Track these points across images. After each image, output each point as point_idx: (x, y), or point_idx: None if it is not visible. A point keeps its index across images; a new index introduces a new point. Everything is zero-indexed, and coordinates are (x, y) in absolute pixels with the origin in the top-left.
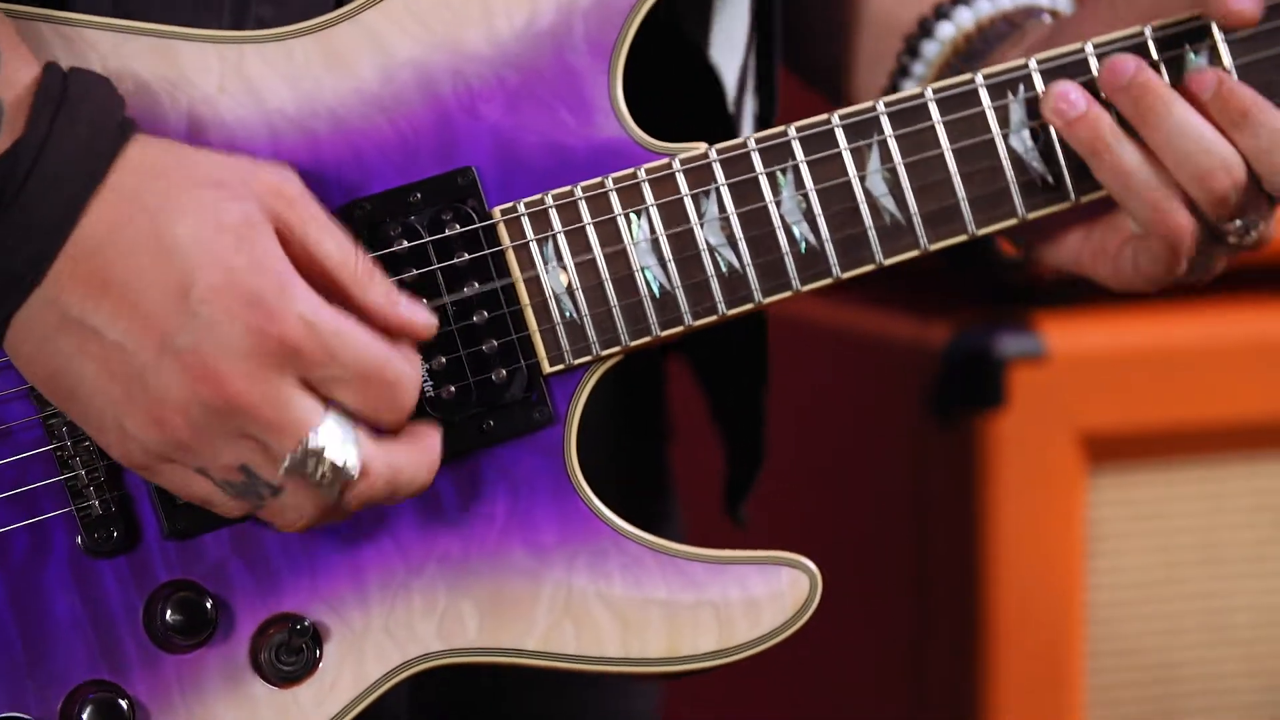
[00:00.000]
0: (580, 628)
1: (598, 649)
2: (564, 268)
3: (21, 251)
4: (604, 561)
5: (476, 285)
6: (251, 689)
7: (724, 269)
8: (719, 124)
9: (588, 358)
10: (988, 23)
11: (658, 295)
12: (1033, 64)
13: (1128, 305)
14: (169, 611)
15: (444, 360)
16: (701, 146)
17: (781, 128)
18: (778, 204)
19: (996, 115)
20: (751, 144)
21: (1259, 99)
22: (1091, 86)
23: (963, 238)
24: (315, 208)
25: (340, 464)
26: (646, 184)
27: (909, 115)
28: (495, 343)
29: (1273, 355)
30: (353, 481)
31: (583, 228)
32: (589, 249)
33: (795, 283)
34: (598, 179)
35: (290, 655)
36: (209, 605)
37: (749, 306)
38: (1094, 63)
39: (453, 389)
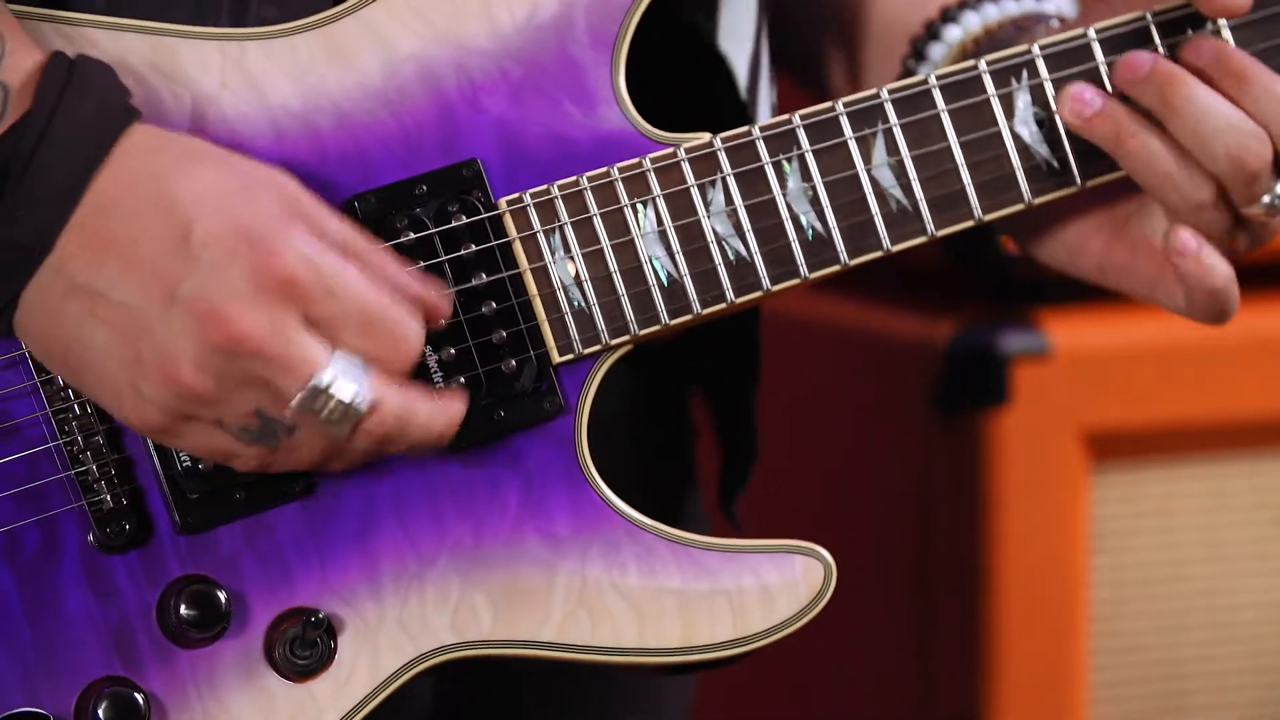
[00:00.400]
0: (596, 618)
1: (614, 639)
2: (571, 258)
3: (29, 223)
4: (618, 551)
5: (484, 276)
6: (267, 683)
7: (731, 257)
8: (731, 112)
9: (597, 347)
10: (995, 28)
11: (666, 284)
12: (1036, 49)
13: (1131, 303)
14: (182, 606)
15: (453, 351)
16: (706, 136)
17: (786, 116)
18: (784, 192)
19: (1000, 101)
20: (756, 132)
21: (1257, 63)
22: (1096, 78)
23: (970, 223)
24: (314, 200)
25: (349, 400)
26: (652, 173)
27: (913, 102)
28: (504, 333)
29: (1275, 353)
30: (363, 418)
31: (589, 218)
32: (596, 239)
33: (803, 270)
34: (603, 169)
35: (305, 649)
36: (222, 598)
37: (758, 294)
38: (1097, 48)
39: (462, 380)
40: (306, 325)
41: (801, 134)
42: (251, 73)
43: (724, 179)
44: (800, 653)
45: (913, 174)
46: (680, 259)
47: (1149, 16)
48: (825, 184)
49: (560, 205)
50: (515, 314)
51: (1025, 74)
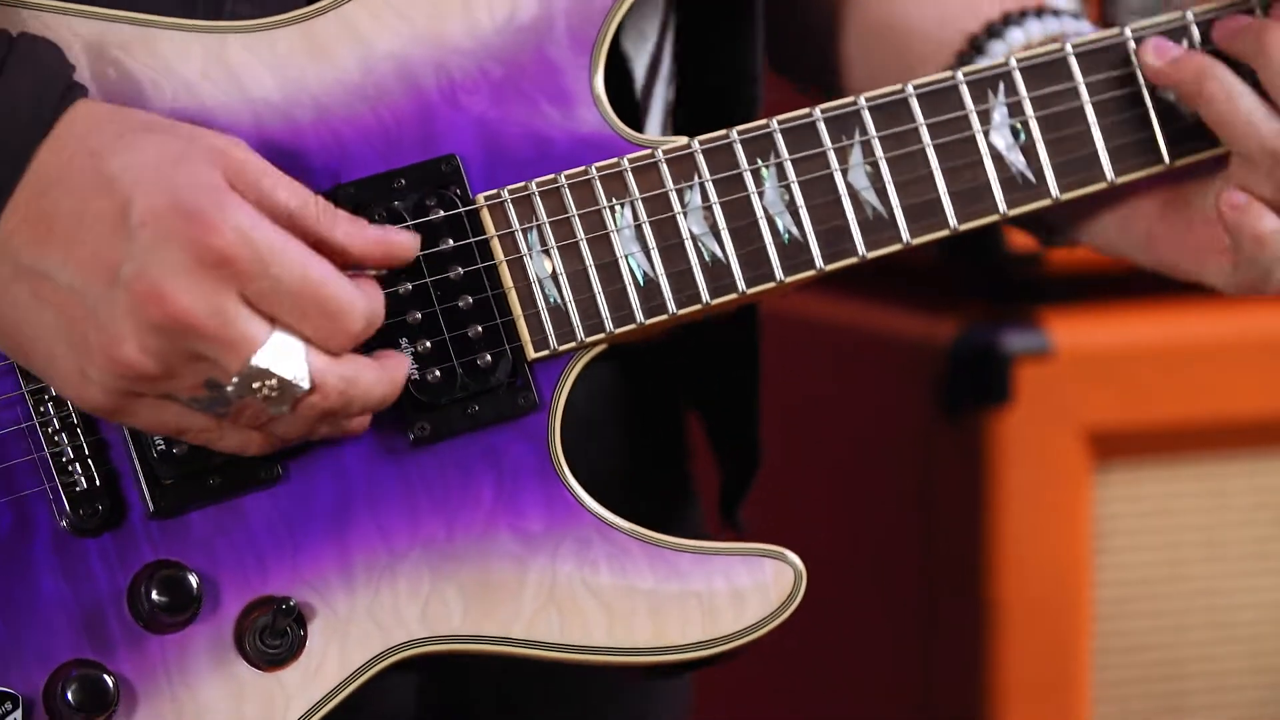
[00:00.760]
0: (566, 616)
1: (584, 637)
2: (548, 253)
3: None
4: (589, 549)
5: (460, 270)
6: (237, 671)
7: (707, 258)
8: (624, 110)
9: (572, 344)
10: (1039, 45)
11: (641, 283)
12: (1013, 62)
13: (1134, 302)
14: (154, 591)
15: (429, 344)
16: (683, 139)
17: (764, 120)
18: (760, 195)
19: (977, 112)
20: (734, 136)
21: None
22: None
23: (945, 232)
24: (263, 163)
25: (289, 379)
26: (630, 173)
27: (890, 110)
28: (480, 328)
29: (1277, 353)
30: (303, 395)
31: (567, 216)
32: (573, 235)
33: (779, 273)
34: (582, 168)
35: (275, 638)
36: (194, 582)
37: (733, 296)
38: (1074, 62)
39: (438, 372)
40: (245, 302)
41: (779, 139)
42: (232, 65)
43: (701, 181)
44: (803, 650)
45: (888, 181)
46: (656, 258)
47: (1127, 32)
48: (802, 188)
49: (538, 202)
50: (491, 308)
51: (1002, 86)
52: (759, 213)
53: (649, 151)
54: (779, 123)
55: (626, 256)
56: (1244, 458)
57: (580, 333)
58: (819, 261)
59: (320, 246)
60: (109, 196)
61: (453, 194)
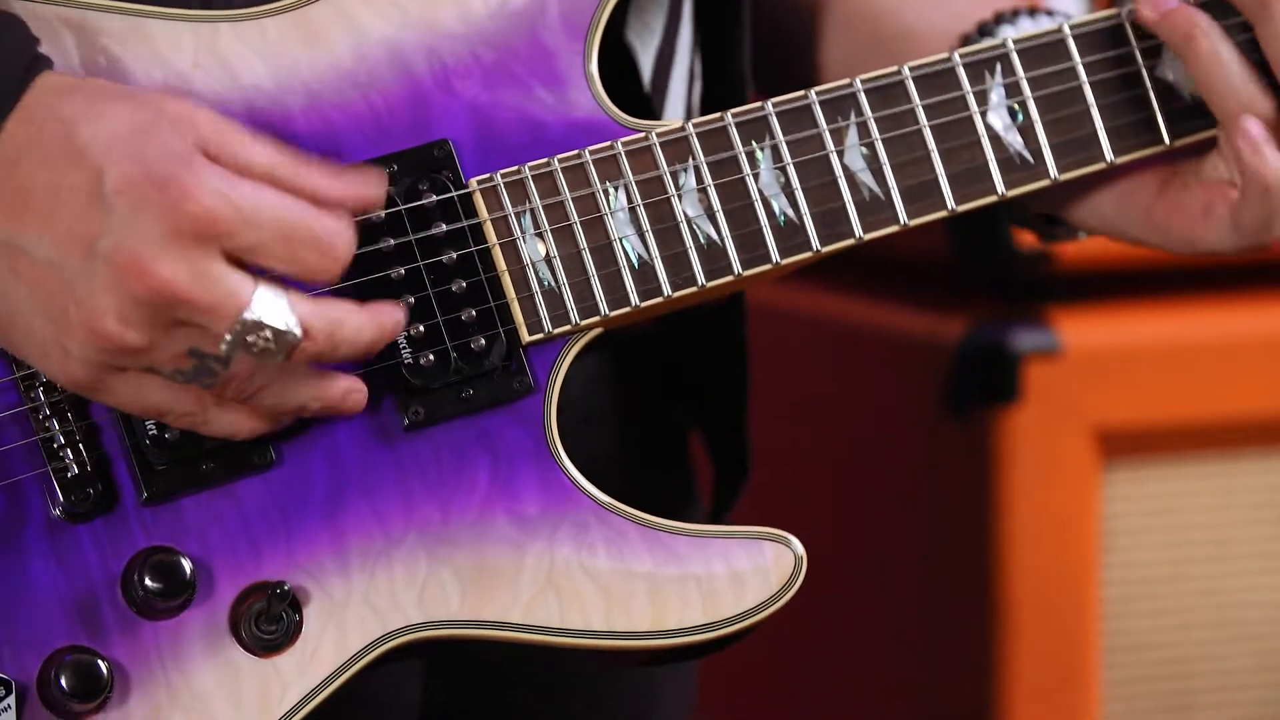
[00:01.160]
0: (564, 600)
1: (583, 621)
2: (541, 236)
3: None
4: (586, 533)
5: (453, 254)
6: (232, 657)
7: (703, 240)
8: (632, 100)
9: (566, 327)
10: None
11: (636, 266)
12: (1010, 44)
13: (1143, 301)
14: (147, 577)
15: (422, 328)
16: (677, 122)
17: (759, 103)
18: (755, 177)
19: (974, 93)
20: (729, 119)
21: None
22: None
23: (943, 213)
24: (229, 124)
25: (282, 328)
26: (624, 156)
27: (886, 91)
28: (473, 311)
29: None
30: (297, 342)
31: (560, 198)
32: (566, 218)
33: (775, 255)
34: (575, 151)
35: (270, 623)
36: (187, 567)
37: (729, 279)
38: (1072, 44)
39: (431, 356)
40: (228, 260)
41: (774, 121)
42: (223, 53)
43: (695, 164)
44: (810, 648)
45: (885, 163)
46: (651, 240)
47: (1123, 15)
48: (797, 171)
49: (531, 186)
50: (485, 291)
51: (999, 67)
52: (754, 195)
53: (642, 135)
54: (774, 105)
55: (621, 239)
56: (1251, 456)
57: (575, 315)
58: (815, 243)
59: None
60: (82, 168)
61: (445, 178)
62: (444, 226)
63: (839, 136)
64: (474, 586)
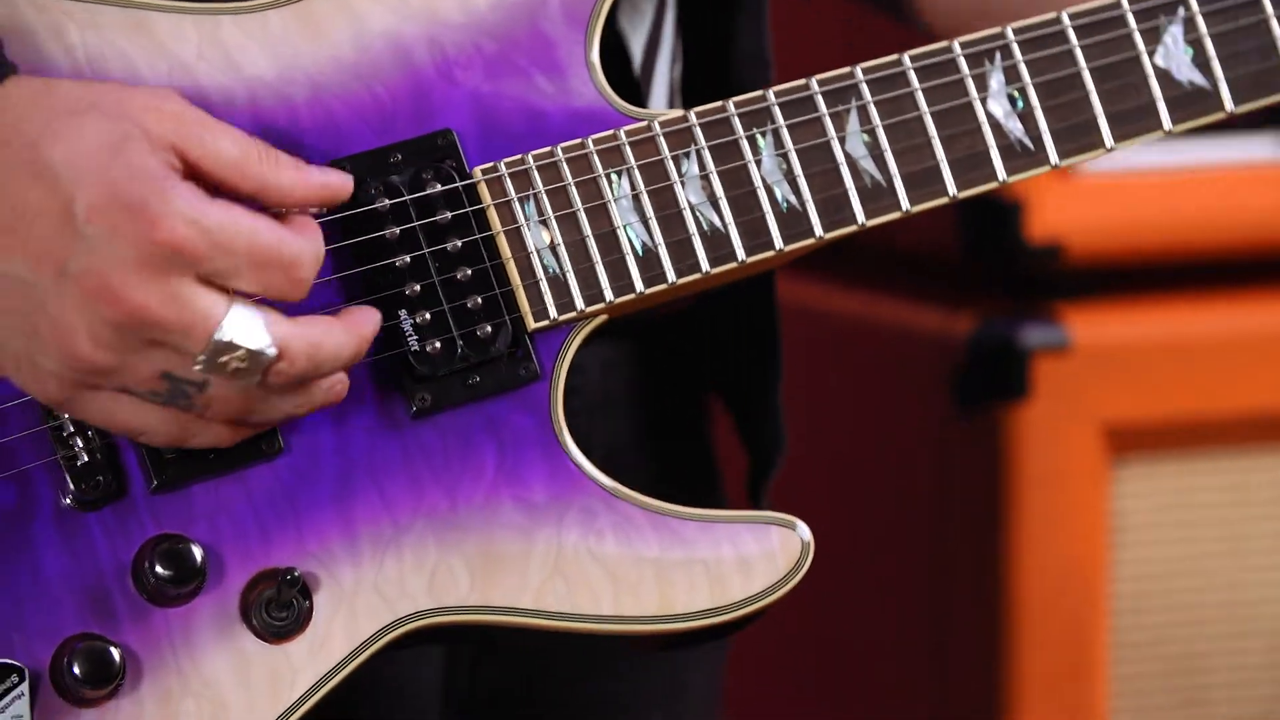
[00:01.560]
0: (573, 585)
1: (592, 606)
2: (545, 224)
3: None
4: (594, 519)
5: (458, 241)
6: (243, 644)
7: (706, 227)
8: (622, 85)
9: (572, 314)
10: None
11: (640, 252)
12: (1009, 32)
13: (1152, 297)
14: (158, 564)
15: (428, 316)
16: (680, 111)
17: (760, 92)
18: (758, 164)
19: (974, 79)
20: (731, 108)
21: None
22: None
23: (944, 200)
24: (198, 114)
25: (255, 349)
26: (627, 145)
27: (887, 81)
28: (479, 298)
29: None
30: (273, 362)
31: (564, 186)
32: (570, 205)
33: (778, 242)
34: (578, 140)
35: (281, 610)
36: (198, 554)
37: (732, 265)
38: (1071, 34)
39: (438, 344)
40: (200, 282)
41: (776, 110)
42: (226, 45)
43: (698, 151)
44: (819, 644)
45: (886, 150)
46: (655, 227)
47: (1124, 3)
48: (799, 157)
49: (535, 175)
50: (490, 279)
51: (999, 55)
52: (757, 182)
53: (645, 124)
54: (775, 94)
55: (625, 226)
56: (1263, 452)
57: (580, 302)
58: (818, 230)
59: (265, 191)
60: (53, 193)
61: (449, 168)
62: (449, 214)
63: (840, 122)
64: (483, 572)
